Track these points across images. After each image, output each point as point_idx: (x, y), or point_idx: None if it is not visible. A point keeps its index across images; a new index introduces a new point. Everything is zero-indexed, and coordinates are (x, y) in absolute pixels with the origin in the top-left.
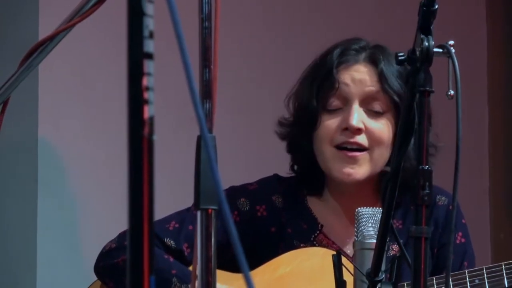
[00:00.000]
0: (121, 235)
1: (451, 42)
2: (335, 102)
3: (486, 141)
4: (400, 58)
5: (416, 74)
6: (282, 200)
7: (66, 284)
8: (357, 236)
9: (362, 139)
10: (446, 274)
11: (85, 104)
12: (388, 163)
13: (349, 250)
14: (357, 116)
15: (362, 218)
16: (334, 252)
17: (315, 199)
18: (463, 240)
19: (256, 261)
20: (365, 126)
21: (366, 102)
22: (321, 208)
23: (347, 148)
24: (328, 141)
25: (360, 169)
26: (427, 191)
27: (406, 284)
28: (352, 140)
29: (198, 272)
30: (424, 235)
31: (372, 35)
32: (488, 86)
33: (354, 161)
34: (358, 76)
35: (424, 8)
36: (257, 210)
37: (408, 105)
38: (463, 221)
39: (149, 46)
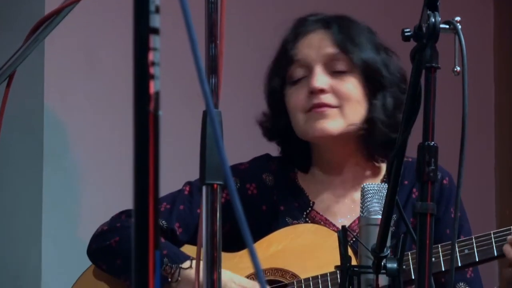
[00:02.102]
0: (114, 218)
1: (458, 18)
2: (297, 73)
3: (493, 118)
4: (406, 34)
5: (422, 51)
6: (273, 178)
7: (71, 259)
8: (362, 212)
9: (328, 99)
10: (452, 248)
11: (91, 79)
12: (368, 121)
13: (341, 221)
14: (320, 78)
15: (367, 194)
16: (325, 228)
17: (305, 176)
18: (458, 214)
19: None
20: (330, 87)
21: (329, 65)
22: (311, 185)
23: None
24: (300, 110)
25: (333, 122)
26: (433, 168)
27: (410, 253)
28: (319, 101)
29: (203, 247)
30: (430, 211)
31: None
32: (495, 62)
33: (324, 116)
34: (315, 42)
35: None
36: (247, 189)
37: (414, 82)
38: None
39: (155, 21)
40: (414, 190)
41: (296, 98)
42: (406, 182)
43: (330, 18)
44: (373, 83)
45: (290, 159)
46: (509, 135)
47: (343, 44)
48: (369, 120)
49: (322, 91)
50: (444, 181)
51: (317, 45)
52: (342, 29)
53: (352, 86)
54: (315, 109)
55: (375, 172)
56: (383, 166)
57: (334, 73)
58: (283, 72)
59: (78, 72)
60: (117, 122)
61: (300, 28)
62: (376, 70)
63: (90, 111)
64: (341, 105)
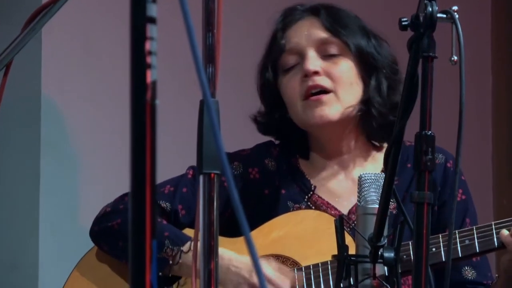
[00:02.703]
0: (117, 200)
1: (455, 8)
2: (290, 60)
3: (490, 107)
4: (403, 23)
5: (419, 40)
6: (275, 163)
7: (69, 249)
8: (359, 201)
9: (323, 81)
10: (449, 235)
11: (88, 68)
12: (364, 103)
13: (343, 207)
14: (312, 61)
15: (364, 183)
16: (327, 215)
17: (306, 161)
18: (463, 197)
19: (251, 224)
20: (323, 69)
21: (321, 49)
22: (312, 169)
23: (312, 94)
24: (296, 96)
25: (330, 109)
26: (430, 157)
27: (411, 243)
28: (313, 83)
29: (200, 236)
30: (427, 200)
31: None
32: (492, 52)
33: (320, 103)
34: (305, 28)
35: None
36: (250, 173)
37: (411, 71)
38: (462, 177)
39: (152, 10)
40: None
41: (291, 85)
42: (409, 165)
43: (318, 5)
44: (365, 65)
45: (290, 147)
46: (506, 124)
47: (333, 28)
48: (365, 101)
49: (315, 73)
50: (448, 164)
51: (307, 31)
52: (331, 14)
53: (345, 68)
54: (311, 97)
55: (375, 154)
56: (383, 150)
57: (326, 56)
58: (274, 63)
59: (75, 62)
60: (114, 111)
61: (288, 18)
62: (368, 52)
63: (87, 100)
64: (335, 89)
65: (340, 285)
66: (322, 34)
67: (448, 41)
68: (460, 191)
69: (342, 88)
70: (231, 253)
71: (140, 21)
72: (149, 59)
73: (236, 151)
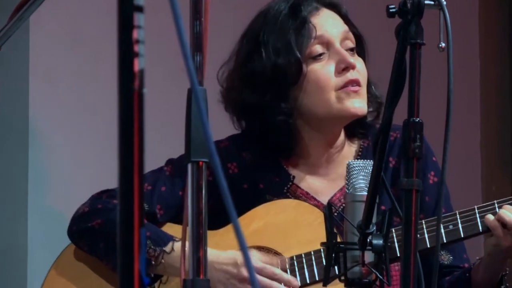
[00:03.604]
0: (94, 198)
1: None
2: (318, 48)
3: (478, 93)
4: (391, 10)
5: (407, 27)
6: (252, 156)
7: (57, 235)
8: (348, 189)
9: (358, 75)
10: (438, 222)
11: (75, 57)
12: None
13: (322, 198)
14: (348, 54)
15: (353, 171)
16: (306, 204)
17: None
18: (435, 179)
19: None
20: None
21: (343, 43)
22: (293, 161)
23: (348, 86)
24: (330, 86)
25: (364, 101)
26: (418, 144)
27: (394, 230)
28: (353, 78)
29: (189, 224)
30: (416, 187)
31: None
32: (480, 38)
33: (358, 95)
34: (331, 20)
35: None
36: (229, 168)
37: (399, 58)
38: (434, 158)
39: None
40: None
41: (324, 74)
42: (391, 166)
43: None
44: (364, 59)
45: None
46: (495, 110)
47: (350, 22)
48: (390, 120)
49: (354, 67)
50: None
51: (333, 23)
52: (339, 6)
53: (363, 65)
54: (349, 87)
55: (350, 149)
56: (358, 143)
57: (347, 50)
58: (303, 49)
59: (63, 51)
60: (102, 100)
61: (309, 6)
62: (365, 45)
63: (75, 90)
64: (363, 83)
65: (329, 273)
66: (344, 26)
67: (436, 28)
68: (432, 173)
69: (365, 84)
70: (210, 251)
71: (127, 9)
72: (136, 48)
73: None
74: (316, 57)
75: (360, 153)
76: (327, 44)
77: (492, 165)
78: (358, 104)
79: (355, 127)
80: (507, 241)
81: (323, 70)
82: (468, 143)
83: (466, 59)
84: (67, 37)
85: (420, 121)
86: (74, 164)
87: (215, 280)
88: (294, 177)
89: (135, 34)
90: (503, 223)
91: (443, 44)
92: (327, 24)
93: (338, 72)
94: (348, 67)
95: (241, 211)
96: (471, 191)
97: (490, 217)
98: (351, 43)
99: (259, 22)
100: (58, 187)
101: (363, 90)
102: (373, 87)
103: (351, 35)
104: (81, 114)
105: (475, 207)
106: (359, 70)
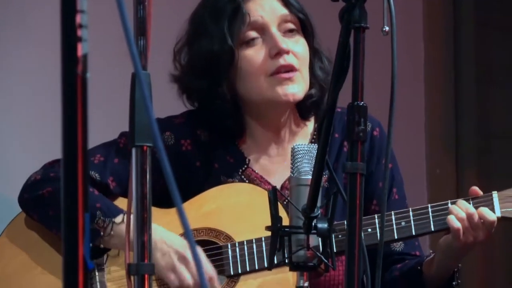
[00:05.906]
0: (46, 167)
1: None
2: (251, 34)
3: (422, 76)
4: None
5: (351, 11)
6: (208, 134)
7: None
8: (292, 173)
9: (292, 60)
10: (382, 214)
11: (20, 41)
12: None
13: (276, 181)
14: (281, 39)
15: (297, 154)
16: (260, 188)
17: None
18: (389, 165)
19: (183, 197)
20: (290, 49)
21: (281, 26)
22: (247, 143)
23: (280, 72)
24: (261, 72)
25: (299, 87)
26: (362, 127)
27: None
28: (285, 63)
29: (133, 209)
30: (360, 171)
31: None
32: (424, 21)
33: (291, 81)
34: (268, 4)
35: None
36: (182, 145)
37: (343, 42)
38: None
39: None
40: (345, 143)
41: (255, 60)
42: (336, 135)
43: None
44: (312, 44)
45: (224, 128)
46: (439, 93)
47: (291, 6)
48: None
49: (288, 52)
50: (374, 132)
51: (269, 8)
52: None
53: (305, 47)
54: (281, 73)
55: (305, 128)
56: (310, 125)
57: (286, 33)
58: (236, 35)
59: (7, 36)
60: (47, 84)
61: None
62: (313, 28)
63: (19, 74)
64: (300, 67)
65: (274, 257)
66: (283, 10)
67: (380, 12)
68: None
69: (305, 67)
70: (162, 230)
71: None
72: (79, 32)
73: (168, 117)
74: (249, 42)
75: (315, 135)
76: (262, 29)
77: (437, 148)
78: (290, 90)
79: (306, 109)
80: (468, 238)
81: (255, 56)
82: (412, 126)
83: (410, 42)
84: (11, 21)
85: (364, 104)
86: (22, 151)
87: (157, 249)
88: (249, 160)
89: (78, 18)
90: (471, 220)
91: (387, 28)
92: (263, 9)
93: (271, 57)
94: (279, 52)
95: (193, 189)
96: (415, 174)
97: (452, 217)
98: (291, 25)
99: (201, 7)
100: (2, 165)
101: (299, 74)
102: (318, 67)
103: (292, 17)
104: (27, 95)
105: (429, 205)
106: (297, 53)
